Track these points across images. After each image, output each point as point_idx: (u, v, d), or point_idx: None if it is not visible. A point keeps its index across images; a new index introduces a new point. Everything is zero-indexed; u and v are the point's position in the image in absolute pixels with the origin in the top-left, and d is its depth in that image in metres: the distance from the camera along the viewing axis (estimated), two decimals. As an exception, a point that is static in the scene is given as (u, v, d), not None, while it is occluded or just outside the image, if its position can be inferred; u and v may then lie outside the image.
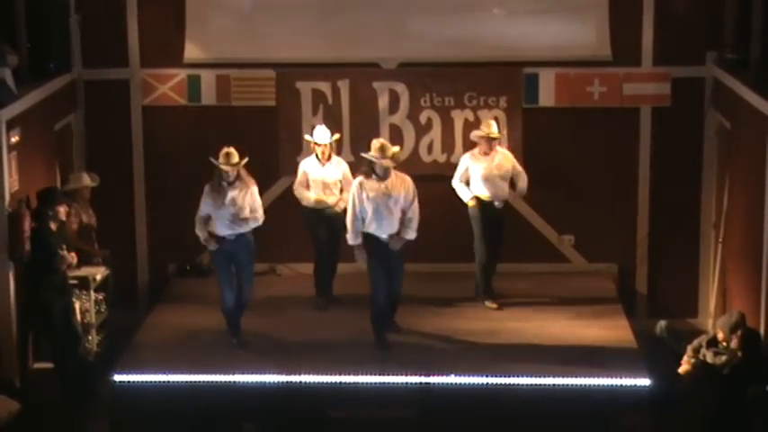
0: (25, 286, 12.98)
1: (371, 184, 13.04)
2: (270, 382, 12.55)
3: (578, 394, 12.40)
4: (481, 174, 14.06)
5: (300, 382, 12.52)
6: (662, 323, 13.54)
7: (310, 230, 14.31)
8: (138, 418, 12.52)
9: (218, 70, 15.13)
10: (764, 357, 12.12)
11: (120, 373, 12.68)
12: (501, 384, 12.45)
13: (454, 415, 12.43)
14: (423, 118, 15.17)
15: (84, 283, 13.72)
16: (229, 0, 15.28)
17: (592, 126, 15.11)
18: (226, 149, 13.04)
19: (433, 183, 14.49)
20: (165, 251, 15.43)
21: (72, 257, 13.14)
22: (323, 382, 12.52)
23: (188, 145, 15.00)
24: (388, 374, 12.55)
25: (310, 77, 15.15)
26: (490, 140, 14.05)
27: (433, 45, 15.06)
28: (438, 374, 12.51)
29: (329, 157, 14.16)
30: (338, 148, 14.63)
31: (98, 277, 13.99)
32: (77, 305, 13.55)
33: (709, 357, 12.10)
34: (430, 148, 15.22)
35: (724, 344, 12.03)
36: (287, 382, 12.54)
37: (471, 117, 15.08)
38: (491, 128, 14.09)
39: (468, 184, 14.17)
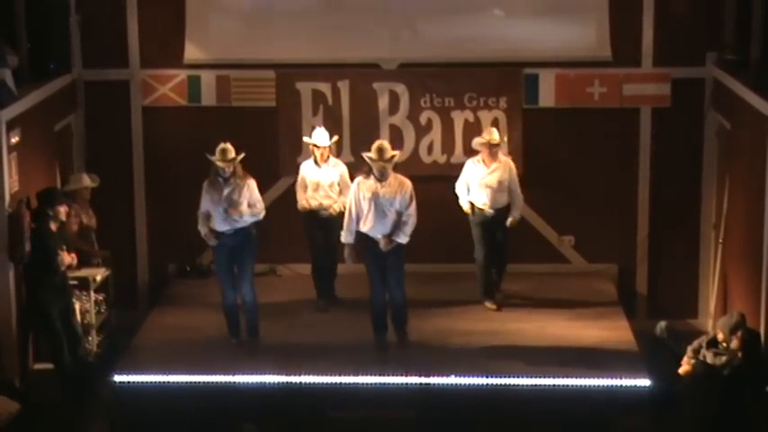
0: (25, 287, 12.99)
1: (369, 184, 13.05)
2: (270, 383, 12.54)
3: (578, 395, 12.39)
4: (477, 181, 14.05)
5: (300, 382, 12.52)
6: (662, 324, 13.52)
7: (306, 232, 14.32)
8: (138, 419, 12.53)
9: (218, 71, 15.13)
10: (764, 358, 12.12)
11: (120, 373, 12.68)
12: (501, 385, 12.45)
13: (454, 415, 12.42)
14: (423, 119, 15.16)
15: (84, 284, 13.73)
16: (229, 1, 15.30)
17: (592, 127, 15.11)
18: (222, 145, 13.06)
19: (434, 183, 14.51)
20: (165, 252, 15.43)
21: (72, 258, 13.15)
22: (323, 383, 12.52)
23: (188, 145, 14.96)
24: (388, 375, 12.55)
25: (310, 78, 15.14)
26: (491, 147, 14.02)
27: (434, 46, 15.07)
28: (438, 375, 12.51)
29: (327, 159, 14.16)
30: (338, 148, 14.64)
31: (98, 278, 14.00)
32: (77, 306, 13.55)
33: (710, 358, 12.09)
34: (430, 149, 15.21)
35: (724, 344, 12.02)
36: (287, 382, 12.54)
37: (471, 118, 15.08)
38: (492, 135, 14.03)
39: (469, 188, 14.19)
